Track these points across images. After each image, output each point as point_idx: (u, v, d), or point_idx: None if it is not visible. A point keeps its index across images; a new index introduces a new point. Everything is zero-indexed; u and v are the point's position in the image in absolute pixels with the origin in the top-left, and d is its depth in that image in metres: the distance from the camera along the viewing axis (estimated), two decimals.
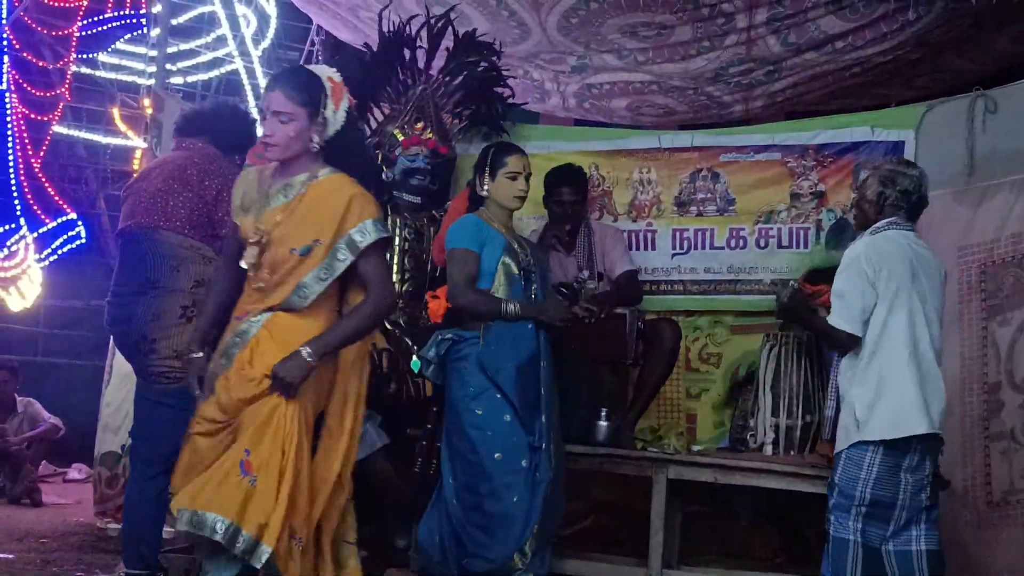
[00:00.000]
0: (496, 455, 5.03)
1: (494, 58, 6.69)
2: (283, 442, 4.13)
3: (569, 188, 6.41)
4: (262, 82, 11.16)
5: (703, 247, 6.87)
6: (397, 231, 6.16)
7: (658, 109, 7.99)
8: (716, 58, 7.29)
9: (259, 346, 4.24)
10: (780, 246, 6.65)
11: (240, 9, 11.47)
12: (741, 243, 6.78)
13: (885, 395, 4.82)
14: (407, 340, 5.87)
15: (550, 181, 6.47)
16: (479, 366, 5.12)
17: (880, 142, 6.50)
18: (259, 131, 4.26)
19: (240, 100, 10.40)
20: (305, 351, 4.15)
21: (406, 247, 6.16)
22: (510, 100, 6.99)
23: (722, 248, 6.82)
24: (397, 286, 6.02)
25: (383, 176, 6.18)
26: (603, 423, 5.84)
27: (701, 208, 6.89)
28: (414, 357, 5.47)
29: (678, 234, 6.94)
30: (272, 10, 11.64)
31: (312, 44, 10.77)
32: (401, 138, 6.21)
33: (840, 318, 4.94)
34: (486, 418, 5.08)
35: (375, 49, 6.49)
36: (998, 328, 5.93)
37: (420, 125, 6.24)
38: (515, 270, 5.27)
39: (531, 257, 5.39)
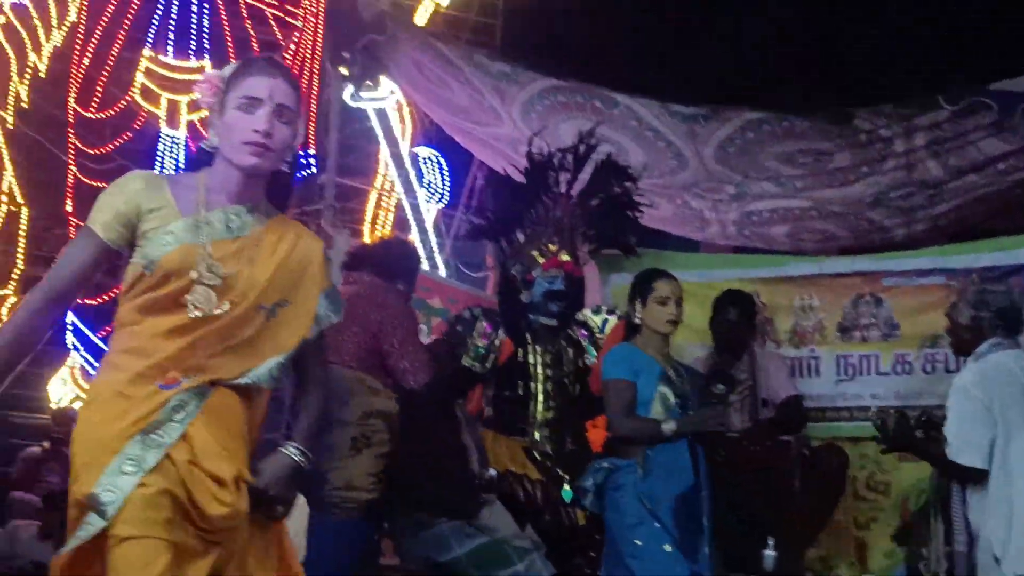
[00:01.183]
0: None
1: (628, 183, 6.66)
2: None
3: (737, 309, 6.45)
4: (428, 220, 11.41)
5: (868, 373, 6.81)
6: (538, 357, 6.12)
7: (818, 235, 7.98)
8: (876, 183, 7.29)
9: (209, 443, 3.02)
10: (947, 371, 6.53)
11: (404, 147, 11.78)
12: (907, 368, 6.70)
13: (1018, 527, 4.59)
14: (557, 469, 5.86)
15: (718, 303, 6.51)
16: (637, 496, 5.09)
17: None
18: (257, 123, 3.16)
19: (406, 236, 10.65)
20: (295, 455, 3.20)
21: (548, 373, 6.12)
22: (667, 229, 7.03)
23: (887, 374, 6.75)
24: (541, 414, 6.01)
25: (521, 298, 6.15)
26: (770, 552, 5.76)
27: (865, 333, 6.84)
28: (565, 486, 5.46)
29: (842, 360, 6.88)
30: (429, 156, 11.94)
31: (475, 178, 11.02)
32: (541, 260, 6.18)
33: (963, 452, 4.74)
34: (646, 548, 5.02)
35: (525, 175, 6.56)
36: None
37: (555, 247, 6.22)
38: (672, 399, 5.26)
39: (688, 384, 5.39)
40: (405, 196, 11.49)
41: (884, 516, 6.67)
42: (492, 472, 5.60)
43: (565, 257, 6.17)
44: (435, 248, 11.23)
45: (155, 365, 3.03)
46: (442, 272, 10.79)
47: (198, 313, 3.07)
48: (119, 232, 3.13)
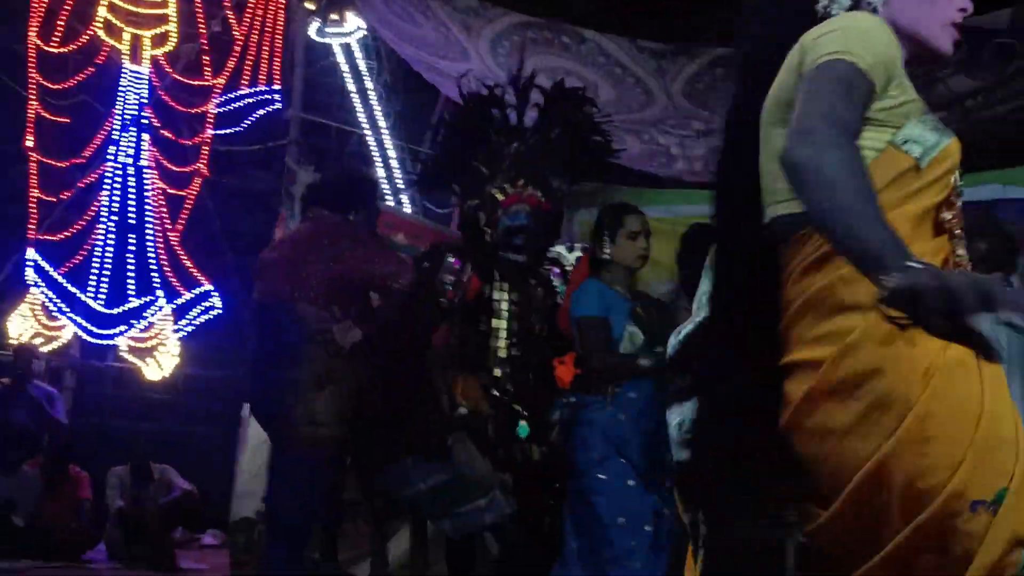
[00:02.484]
0: (619, 520, 4.97)
1: (589, 108, 6.51)
2: None
3: (706, 243, 6.41)
4: (391, 152, 11.35)
5: None
6: (504, 295, 6.02)
7: None
8: None
9: None
10: None
11: (369, 83, 11.69)
12: None
13: None
14: (515, 406, 5.81)
15: (686, 238, 6.46)
16: (604, 432, 5.08)
17: (1013, 200, 6.39)
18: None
19: (368, 167, 10.57)
20: None
21: (514, 311, 6.02)
22: (634, 165, 6.99)
23: None
24: (503, 351, 5.94)
25: (486, 238, 6.04)
26: None
27: None
28: (521, 423, 5.45)
29: None
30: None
31: (441, 116, 10.93)
32: (501, 197, 6.05)
33: None
34: (610, 483, 5.02)
35: (463, 113, 6.41)
36: None
37: (521, 183, 6.07)
38: (639, 335, 5.25)
39: (656, 320, 5.37)
40: (370, 132, 11.40)
41: None
42: (463, 410, 5.59)
43: (529, 192, 6.06)
44: (400, 184, 11.16)
45: None
46: (407, 209, 10.73)
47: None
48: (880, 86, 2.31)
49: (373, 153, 11.35)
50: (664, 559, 5.00)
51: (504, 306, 5.94)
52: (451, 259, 5.94)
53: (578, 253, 6.14)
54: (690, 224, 6.54)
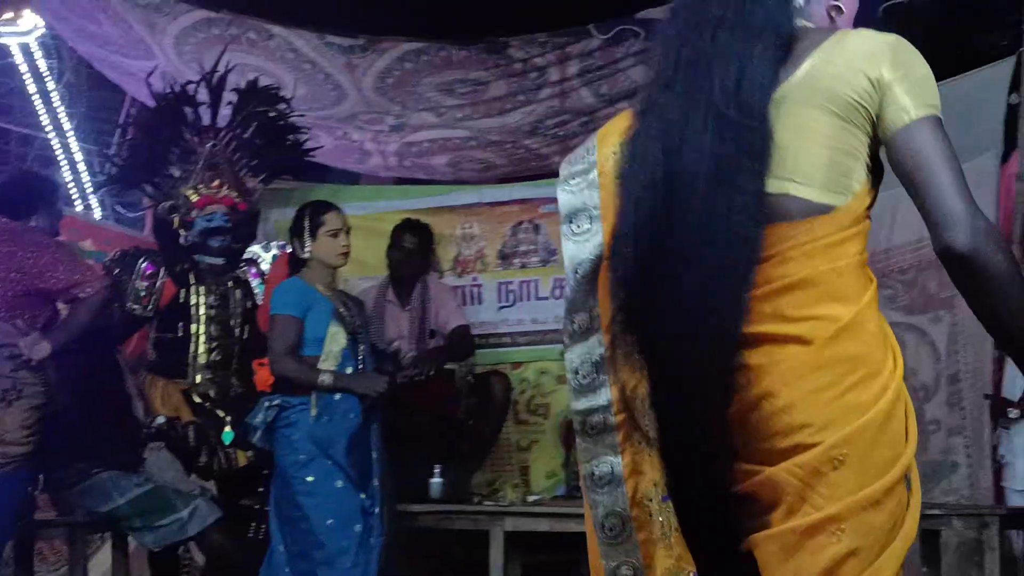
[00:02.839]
0: (328, 521, 4.99)
1: (282, 105, 6.49)
2: None
3: (413, 236, 6.50)
4: (77, 156, 10.99)
5: (528, 298, 6.97)
6: (200, 298, 5.93)
7: (478, 164, 8.06)
8: (532, 111, 7.39)
9: None
10: None
11: (51, 84, 11.27)
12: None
13: None
14: (218, 412, 5.74)
15: (396, 231, 6.54)
16: (309, 434, 5.07)
17: None
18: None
19: (53, 172, 10.18)
20: None
21: (212, 314, 5.94)
22: (329, 162, 6.96)
23: (547, 298, 6.93)
24: (203, 356, 5.86)
25: (180, 240, 5.95)
26: (437, 480, 5.84)
27: (524, 260, 7.00)
28: (226, 428, 5.40)
29: (503, 287, 7.02)
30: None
31: (128, 116, 10.62)
32: (195, 198, 5.96)
33: None
34: (317, 485, 5.03)
35: (153, 113, 6.31)
36: None
37: (216, 183, 6.01)
38: (343, 335, 5.24)
39: (358, 318, 5.38)
40: (54, 135, 10.99)
41: (545, 438, 6.85)
42: (161, 419, 5.48)
43: (224, 192, 5.99)
44: (88, 188, 10.80)
45: None
46: (96, 214, 10.39)
47: None
48: None
49: (58, 156, 10.94)
50: (375, 557, 5.04)
51: (201, 310, 5.87)
52: (144, 264, 5.81)
53: (275, 252, 6.11)
54: (402, 218, 6.64)
